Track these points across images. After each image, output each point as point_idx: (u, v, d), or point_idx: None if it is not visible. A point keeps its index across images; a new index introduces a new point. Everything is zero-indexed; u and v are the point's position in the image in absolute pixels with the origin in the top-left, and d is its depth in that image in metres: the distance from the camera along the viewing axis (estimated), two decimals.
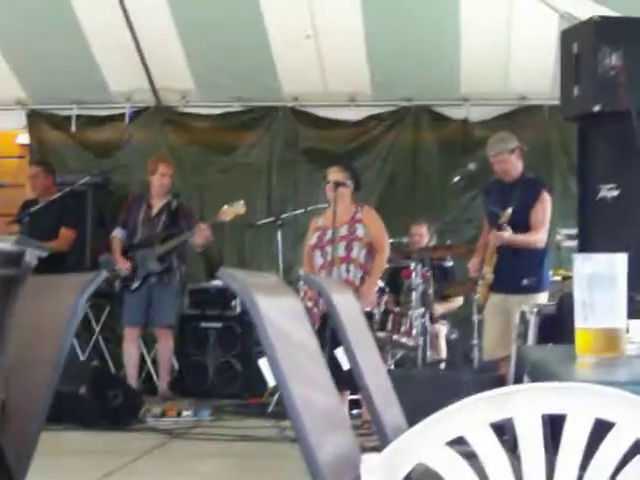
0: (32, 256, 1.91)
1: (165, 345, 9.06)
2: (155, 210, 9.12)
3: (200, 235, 8.80)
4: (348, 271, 7.52)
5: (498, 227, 7.34)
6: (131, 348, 9.00)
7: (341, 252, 7.55)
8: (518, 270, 7.34)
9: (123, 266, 8.95)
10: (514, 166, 7.52)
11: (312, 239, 7.72)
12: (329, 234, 7.54)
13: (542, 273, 7.48)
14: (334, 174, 7.68)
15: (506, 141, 7.55)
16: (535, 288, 7.38)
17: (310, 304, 7.38)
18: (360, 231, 7.59)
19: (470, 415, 1.63)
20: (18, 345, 2.09)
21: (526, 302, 6.91)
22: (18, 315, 2.00)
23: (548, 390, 1.65)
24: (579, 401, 1.61)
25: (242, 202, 8.83)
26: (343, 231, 7.57)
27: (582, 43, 5.98)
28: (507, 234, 7.28)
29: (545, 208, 7.49)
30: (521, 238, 7.35)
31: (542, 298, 7.26)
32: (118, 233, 9.15)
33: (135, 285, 8.96)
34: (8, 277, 1.94)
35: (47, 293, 2.62)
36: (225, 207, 8.82)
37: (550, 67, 8.90)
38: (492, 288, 7.51)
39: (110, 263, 9.03)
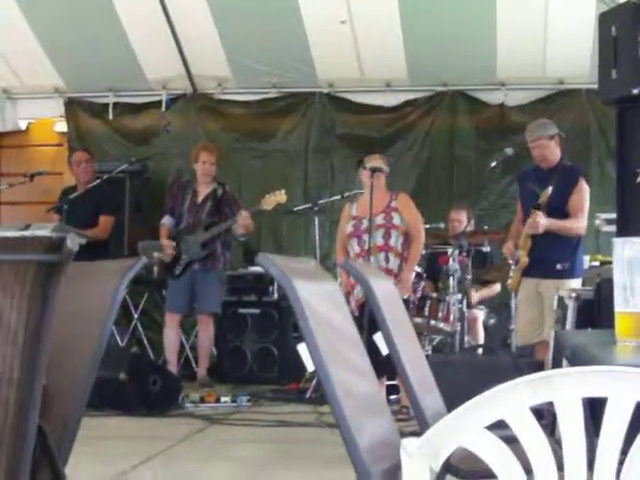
0: (74, 242, 1.92)
1: (205, 332, 9.09)
2: (201, 197, 9.16)
3: (241, 223, 8.82)
4: (387, 260, 7.49)
5: (537, 207, 7.26)
6: (172, 334, 9.04)
7: (379, 240, 7.51)
8: (552, 255, 7.29)
9: (167, 251, 8.99)
10: (552, 152, 7.46)
11: (347, 228, 7.67)
12: (365, 222, 7.49)
13: (576, 259, 7.42)
14: (375, 161, 7.64)
15: (546, 127, 7.52)
16: (569, 273, 7.32)
17: (346, 290, 7.38)
18: (396, 219, 7.55)
19: (510, 399, 1.63)
20: (59, 331, 2.11)
21: (559, 287, 6.90)
22: (59, 301, 2.02)
23: (589, 374, 1.65)
24: (620, 385, 1.60)
25: (283, 191, 8.87)
26: (380, 220, 7.53)
27: (620, 26, 5.92)
28: (542, 221, 7.20)
29: (583, 197, 7.42)
30: (561, 224, 7.28)
31: (575, 284, 7.20)
32: (167, 220, 9.20)
33: (178, 271, 9.01)
34: (50, 263, 1.95)
35: (87, 279, 2.63)
36: (267, 196, 8.85)
37: (588, 50, 8.83)
38: (525, 273, 7.47)
39: (148, 249, 9.08)
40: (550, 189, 7.21)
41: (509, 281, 7.62)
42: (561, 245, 7.30)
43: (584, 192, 7.44)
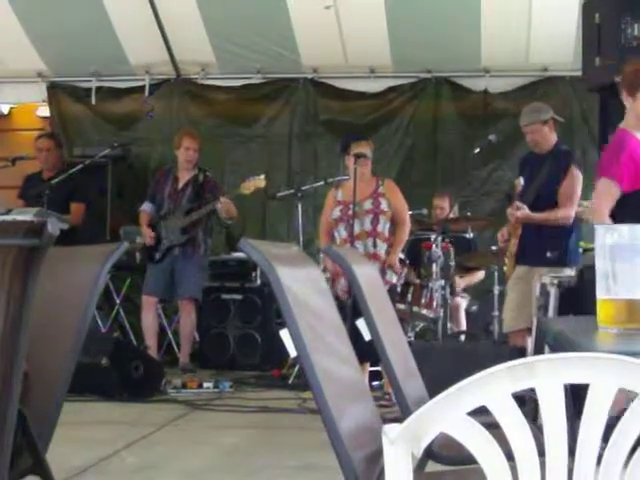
0: (54, 227, 1.91)
1: (187, 317, 9.08)
2: (181, 183, 9.15)
3: (223, 209, 8.80)
4: (375, 245, 7.50)
5: (510, 198, 7.25)
6: (149, 317, 9.04)
7: (367, 226, 7.52)
8: (542, 242, 7.23)
9: (148, 236, 8.98)
10: (546, 137, 7.38)
11: (334, 213, 7.67)
12: (352, 207, 7.48)
13: (568, 247, 7.32)
14: (361, 147, 7.62)
15: (539, 112, 7.42)
16: (559, 261, 7.24)
17: (328, 275, 7.37)
18: (384, 205, 7.57)
19: (492, 385, 1.63)
20: (40, 316, 2.10)
21: (550, 275, 6.84)
22: (40, 286, 2.01)
23: (571, 360, 1.65)
24: (602, 371, 1.60)
25: (263, 175, 8.86)
26: (367, 205, 7.54)
27: (604, 13, 5.94)
28: (519, 213, 7.17)
29: (573, 184, 7.32)
30: (544, 216, 7.22)
31: (568, 272, 7.11)
32: (146, 207, 9.20)
33: (158, 256, 9.00)
34: (30, 247, 1.94)
35: (69, 264, 2.62)
36: (246, 181, 8.84)
37: (572, 38, 8.84)
38: (517, 260, 7.44)
39: (130, 235, 9.07)
40: (521, 179, 7.17)
41: (505, 268, 7.62)
42: (551, 233, 7.23)
43: (575, 179, 7.32)
